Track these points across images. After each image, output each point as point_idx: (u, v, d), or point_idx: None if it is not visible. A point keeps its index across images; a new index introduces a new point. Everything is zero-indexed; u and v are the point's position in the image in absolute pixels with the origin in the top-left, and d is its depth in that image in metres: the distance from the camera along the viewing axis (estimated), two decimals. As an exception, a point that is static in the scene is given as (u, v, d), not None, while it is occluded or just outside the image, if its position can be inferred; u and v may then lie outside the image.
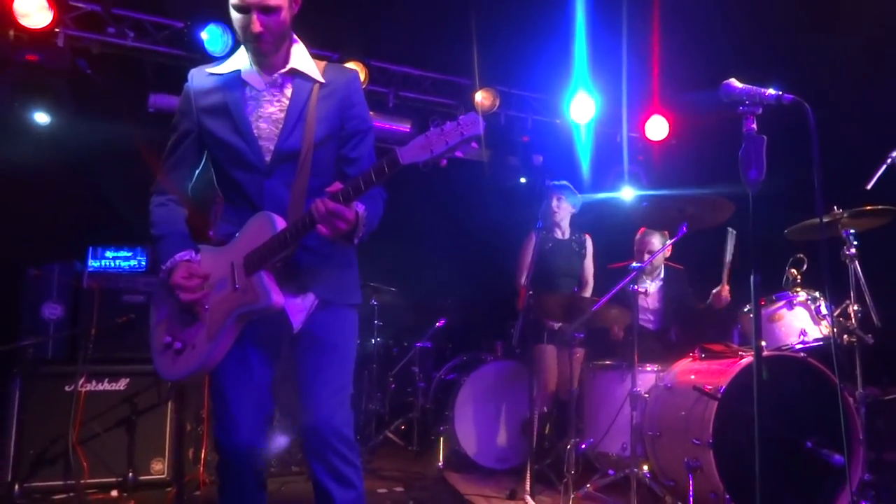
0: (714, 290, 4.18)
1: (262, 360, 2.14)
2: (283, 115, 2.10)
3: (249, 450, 2.09)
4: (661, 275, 4.64)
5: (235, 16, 2.02)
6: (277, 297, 1.98)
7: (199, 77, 2.15)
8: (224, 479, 2.14)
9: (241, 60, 2.14)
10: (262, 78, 2.12)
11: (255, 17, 1.98)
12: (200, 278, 2.03)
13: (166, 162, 2.18)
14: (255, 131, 2.08)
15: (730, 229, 3.77)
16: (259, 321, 2.05)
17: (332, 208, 1.85)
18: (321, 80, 2.14)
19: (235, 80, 2.12)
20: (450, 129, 1.83)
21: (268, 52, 2.07)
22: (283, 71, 2.11)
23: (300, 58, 2.14)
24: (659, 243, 4.40)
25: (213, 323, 2.01)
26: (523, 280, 4.49)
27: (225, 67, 2.14)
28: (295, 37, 2.17)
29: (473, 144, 1.86)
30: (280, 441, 4.27)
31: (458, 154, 1.88)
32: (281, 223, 2.00)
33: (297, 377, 2.12)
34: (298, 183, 2.07)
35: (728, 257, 3.92)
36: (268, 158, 2.08)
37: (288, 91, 2.12)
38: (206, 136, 2.12)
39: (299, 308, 2.10)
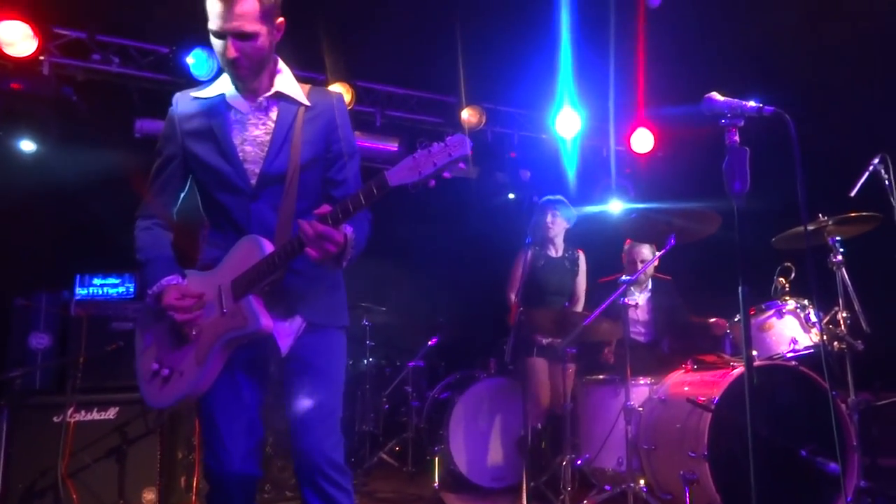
0: (713, 320, 4.23)
1: (251, 385, 2.13)
2: (268, 137, 2.09)
3: (241, 478, 2.07)
4: (650, 286, 4.65)
5: (214, 41, 2.02)
6: (266, 322, 1.97)
7: (184, 101, 2.15)
8: (213, 498, 2.10)
9: (226, 84, 2.13)
10: (246, 101, 2.11)
11: (230, 42, 1.97)
12: (194, 298, 2.01)
13: (151, 186, 2.17)
14: (240, 154, 2.07)
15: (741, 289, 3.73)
16: (248, 345, 2.04)
17: (321, 231, 1.84)
18: (306, 102, 2.14)
19: (220, 104, 2.11)
20: (437, 151, 1.86)
21: (245, 78, 2.06)
22: (267, 94, 2.11)
23: (285, 81, 2.14)
24: (649, 253, 4.41)
25: (201, 348, 1.99)
26: (513, 296, 4.49)
27: (209, 91, 2.14)
28: (280, 60, 2.17)
29: (461, 164, 1.88)
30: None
31: (446, 174, 1.89)
32: (269, 246, 1.99)
33: (287, 401, 2.10)
34: (285, 206, 2.06)
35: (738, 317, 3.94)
36: (253, 181, 2.06)
37: (273, 114, 2.11)
38: (192, 159, 2.11)
39: (287, 332, 2.09)
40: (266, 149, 2.08)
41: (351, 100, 5.32)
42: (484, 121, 5.79)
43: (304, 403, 2.07)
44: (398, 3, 5.03)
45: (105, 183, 4.45)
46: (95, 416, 3.76)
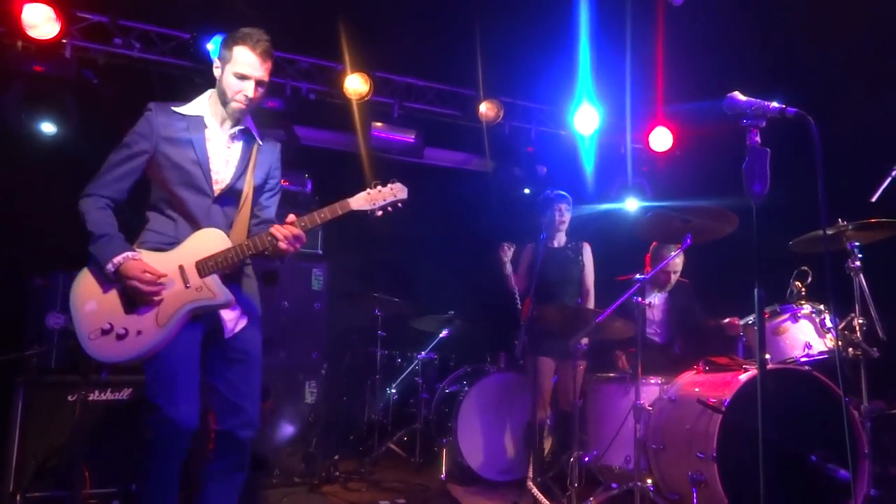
0: (726, 320, 4.20)
1: (197, 356, 2.49)
2: (234, 160, 2.60)
3: (193, 431, 2.40)
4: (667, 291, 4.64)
5: (233, 80, 2.50)
6: (232, 296, 2.47)
7: (163, 111, 2.54)
8: (164, 450, 2.38)
9: (203, 108, 2.59)
10: (220, 129, 2.60)
11: (255, 86, 2.52)
12: (155, 273, 2.38)
13: (113, 171, 2.50)
14: (211, 166, 2.54)
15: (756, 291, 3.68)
16: (202, 321, 2.46)
17: (297, 233, 2.46)
18: (260, 142, 2.67)
19: (199, 123, 2.57)
20: (385, 191, 2.61)
21: (241, 114, 2.58)
22: (238, 128, 2.62)
23: (249, 122, 2.66)
24: (677, 256, 4.37)
25: (163, 313, 2.38)
26: (517, 290, 4.51)
27: (189, 110, 2.58)
28: None
29: (399, 205, 2.63)
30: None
31: (389, 209, 2.62)
32: (229, 240, 2.49)
33: (227, 381, 2.52)
34: (241, 215, 2.59)
35: (752, 320, 3.90)
36: (217, 189, 2.54)
37: (238, 144, 2.63)
38: (163, 158, 2.50)
39: (230, 317, 2.54)
40: (232, 168, 2.59)
41: (369, 90, 5.33)
42: (502, 115, 5.77)
43: (246, 388, 2.53)
44: (419, -6, 5.03)
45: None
46: (109, 396, 3.81)
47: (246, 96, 2.52)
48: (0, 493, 3.57)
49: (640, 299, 3.59)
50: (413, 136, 5.76)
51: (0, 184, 4.49)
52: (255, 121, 2.73)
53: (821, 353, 3.57)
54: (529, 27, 5.30)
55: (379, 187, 2.60)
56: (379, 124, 5.63)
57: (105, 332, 2.34)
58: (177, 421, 2.34)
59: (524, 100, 6.08)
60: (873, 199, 3.41)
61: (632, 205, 6.01)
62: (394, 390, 5.59)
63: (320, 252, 4.71)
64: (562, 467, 4.23)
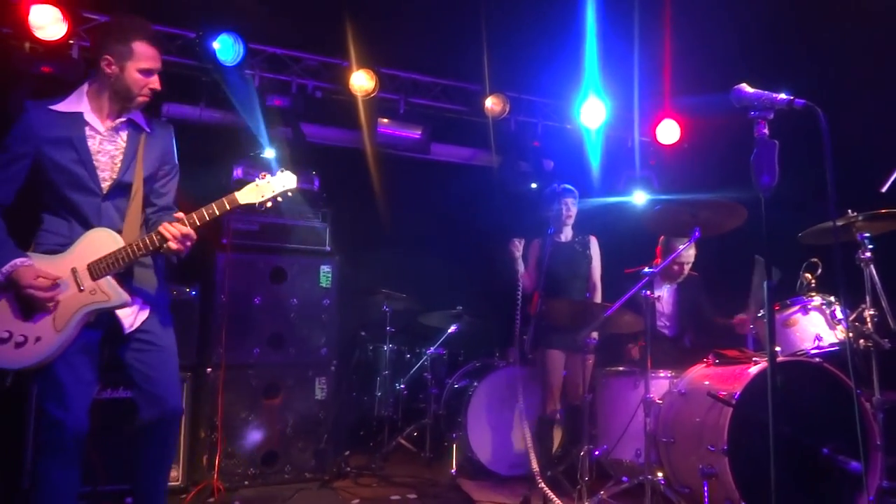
0: (739, 316, 4.19)
1: (90, 362, 2.50)
2: (119, 154, 2.56)
3: (83, 430, 2.43)
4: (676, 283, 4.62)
5: (137, 77, 2.52)
6: (127, 297, 2.47)
7: (40, 110, 2.49)
8: (55, 453, 2.40)
9: (81, 103, 2.54)
10: (101, 122, 2.56)
11: (157, 78, 2.57)
12: (49, 279, 2.37)
13: None
14: (95, 163, 2.50)
15: (757, 257, 3.68)
16: (96, 323, 2.46)
17: (186, 232, 2.43)
18: (147, 130, 2.64)
19: (79, 120, 2.52)
20: (274, 181, 2.56)
21: (143, 104, 2.58)
22: (122, 120, 2.58)
23: (135, 112, 2.63)
24: (688, 248, 4.35)
25: (59, 318, 2.39)
26: (528, 284, 4.50)
27: (65, 107, 2.53)
28: None
29: (289, 194, 2.58)
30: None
31: (278, 199, 2.57)
32: (121, 240, 2.47)
33: (138, 373, 2.52)
34: (132, 209, 2.55)
35: (754, 286, 3.87)
36: (104, 186, 2.52)
37: (123, 135, 2.59)
38: (47, 161, 2.46)
39: (126, 313, 2.52)
40: (118, 162, 2.55)
41: (375, 87, 5.32)
42: (508, 109, 5.76)
43: (164, 374, 2.55)
44: (423, -10, 5.02)
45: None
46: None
47: (152, 90, 2.55)
48: (15, 488, 3.62)
49: (648, 293, 3.58)
50: (419, 132, 5.76)
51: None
52: (148, 113, 2.71)
53: (832, 344, 3.55)
54: (534, 20, 5.29)
55: (268, 178, 2.56)
56: (385, 120, 5.63)
57: (3, 341, 2.35)
58: (67, 424, 2.37)
59: (530, 94, 6.06)
60: (883, 190, 3.39)
61: (640, 198, 5.99)
62: (403, 386, 5.60)
63: (328, 249, 4.72)
64: (572, 461, 4.23)
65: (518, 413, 4.78)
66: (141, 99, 2.56)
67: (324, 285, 4.60)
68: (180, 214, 2.46)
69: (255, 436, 4.24)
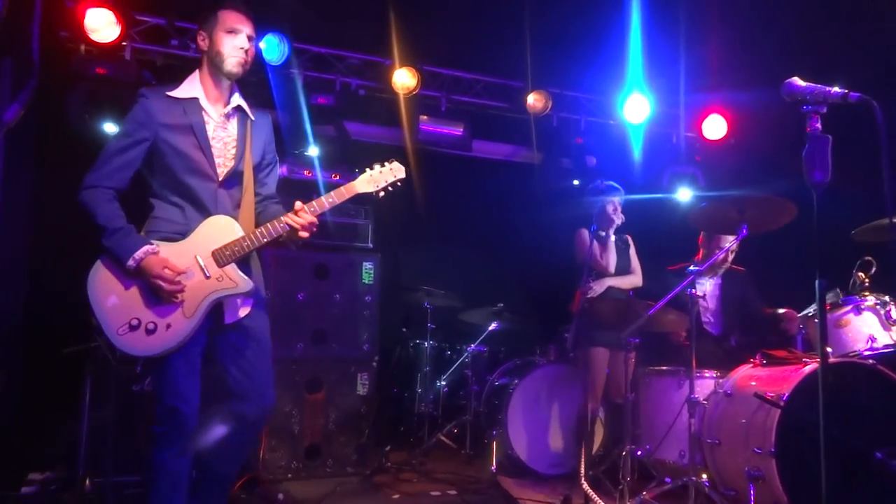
0: (783, 310, 4.10)
1: (199, 350, 2.50)
2: (233, 141, 2.58)
3: (195, 418, 2.44)
4: (719, 274, 4.52)
5: (224, 38, 2.51)
6: (252, 283, 2.49)
7: (157, 96, 2.51)
8: (176, 438, 2.40)
9: (196, 90, 2.56)
10: (215, 109, 2.57)
11: (247, 39, 2.54)
12: (175, 269, 2.38)
13: (114, 160, 2.45)
14: (213, 149, 2.52)
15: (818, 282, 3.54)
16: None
17: (312, 220, 2.48)
18: (252, 118, 2.65)
19: (196, 106, 2.53)
20: (385, 172, 2.61)
21: (237, 76, 2.57)
22: (232, 106, 2.60)
23: (239, 98, 2.64)
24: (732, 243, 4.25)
25: (189, 305, 2.40)
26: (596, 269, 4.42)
27: (181, 93, 2.54)
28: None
29: (398, 184, 2.64)
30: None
31: (389, 189, 2.63)
32: (239, 227, 2.49)
33: (239, 367, 2.51)
34: (247, 198, 2.59)
35: (812, 311, 3.79)
36: (220, 173, 2.53)
37: (234, 122, 2.62)
38: (165, 146, 2.47)
39: (237, 303, 2.53)
40: (231, 149, 2.57)
41: (417, 84, 5.35)
42: (550, 106, 5.72)
43: (262, 368, 2.55)
44: (466, -13, 5.02)
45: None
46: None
47: (241, 49, 2.51)
48: (70, 478, 3.75)
49: (693, 291, 3.51)
50: (461, 129, 5.77)
51: (67, 183, 4.68)
52: (250, 100, 2.70)
53: (886, 346, 3.44)
54: (578, 16, 5.23)
55: (379, 168, 2.61)
56: (426, 118, 5.66)
57: (133, 328, 2.35)
58: (186, 414, 2.38)
59: (572, 90, 6.01)
60: (943, 186, 3.25)
61: (684, 195, 5.89)
62: (444, 382, 5.62)
63: (371, 246, 4.77)
64: (614, 461, 4.19)
65: (558, 411, 4.75)
66: (232, 62, 2.53)
67: (366, 282, 4.65)
68: (300, 204, 2.48)
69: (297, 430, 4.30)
